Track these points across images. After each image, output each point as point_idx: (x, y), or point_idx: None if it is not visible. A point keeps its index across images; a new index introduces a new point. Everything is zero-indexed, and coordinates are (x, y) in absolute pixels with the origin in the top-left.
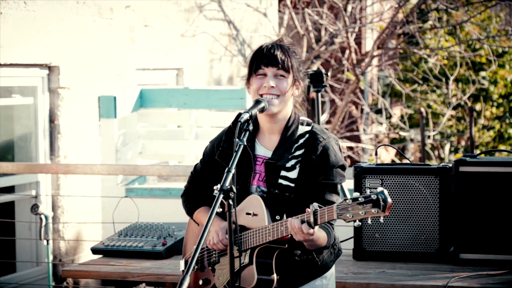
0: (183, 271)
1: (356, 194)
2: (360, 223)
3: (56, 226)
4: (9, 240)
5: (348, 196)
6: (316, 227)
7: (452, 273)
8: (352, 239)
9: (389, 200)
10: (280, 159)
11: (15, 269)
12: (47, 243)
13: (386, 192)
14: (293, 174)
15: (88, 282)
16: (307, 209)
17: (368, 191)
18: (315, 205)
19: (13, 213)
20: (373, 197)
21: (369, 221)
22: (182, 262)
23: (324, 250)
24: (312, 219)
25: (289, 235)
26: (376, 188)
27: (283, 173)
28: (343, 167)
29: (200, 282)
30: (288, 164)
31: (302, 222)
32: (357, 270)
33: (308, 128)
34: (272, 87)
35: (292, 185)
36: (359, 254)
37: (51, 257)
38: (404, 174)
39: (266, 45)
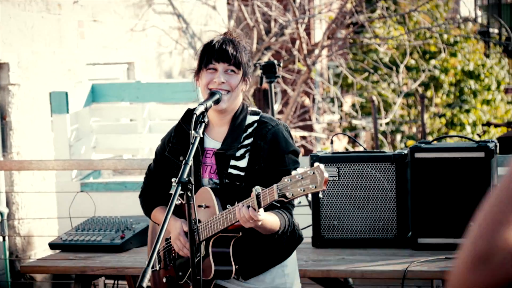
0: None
1: (295, 172)
2: (300, 201)
3: (11, 222)
4: None
5: None
6: (266, 212)
7: (411, 258)
8: (311, 227)
9: (326, 174)
10: (229, 148)
11: None
12: (3, 240)
13: (322, 166)
14: (243, 163)
15: (46, 277)
16: (252, 194)
17: (305, 167)
18: (257, 188)
19: None
20: (309, 172)
21: (320, 195)
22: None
23: (283, 237)
24: (255, 202)
25: (241, 224)
26: (313, 165)
27: (232, 162)
28: (295, 153)
29: (164, 280)
30: (238, 154)
31: (248, 207)
32: (317, 257)
33: (257, 117)
34: (223, 82)
35: (242, 174)
36: (318, 242)
37: (8, 254)
38: (360, 162)
39: (217, 39)
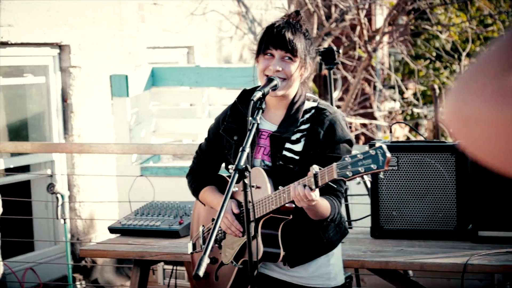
0: (191, 253)
1: (355, 152)
2: (360, 182)
3: (72, 205)
4: (26, 218)
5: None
6: (318, 195)
7: (471, 251)
8: (370, 217)
9: (388, 154)
10: (286, 131)
11: (33, 247)
12: (64, 222)
13: (384, 147)
14: (298, 147)
15: (107, 260)
16: (309, 173)
17: (367, 147)
18: (315, 167)
19: (29, 191)
20: (372, 152)
21: (381, 176)
22: (190, 245)
23: (330, 227)
24: (313, 181)
25: (293, 205)
26: (374, 145)
27: (287, 145)
28: (349, 142)
29: (208, 261)
30: (293, 137)
31: (304, 186)
32: (375, 248)
33: (314, 103)
34: (278, 70)
35: (297, 157)
36: (376, 232)
37: (68, 236)
38: (419, 151)
39: (278, 23)
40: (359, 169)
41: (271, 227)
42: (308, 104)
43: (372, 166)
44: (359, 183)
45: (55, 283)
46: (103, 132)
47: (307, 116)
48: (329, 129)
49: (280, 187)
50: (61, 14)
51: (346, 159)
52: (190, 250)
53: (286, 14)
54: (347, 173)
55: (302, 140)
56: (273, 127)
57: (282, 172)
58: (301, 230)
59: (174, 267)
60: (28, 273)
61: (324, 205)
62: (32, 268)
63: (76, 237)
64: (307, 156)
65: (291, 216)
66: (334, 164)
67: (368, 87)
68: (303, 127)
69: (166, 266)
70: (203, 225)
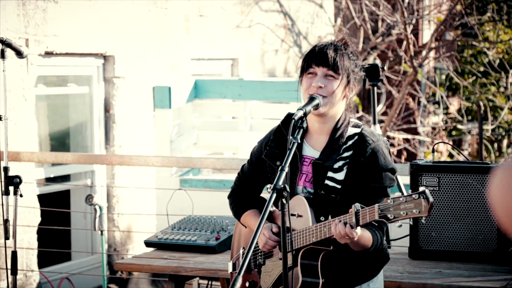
0: (231, 273)
1: (398, 194)
2: (402, 225)
3: (110, 215)
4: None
5: (405, 192)
6: (359, 228)
7: (511, 275)
8: (408, 237)
9: (431, 199)
10: (328, 159)
11: (70, 257)
12: (102, 234)
13: (428, 192)
14: (340, 176)
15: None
16: (350, 210)
17: (410, 191)
18: (357, 205)
19: (69, 201)
20: (415, 196)
21: (423, 221)
22: (230, 264)
23: (373, 254)
24: (354, 220)
25: (333, 237)
26: (418, 189)
27: (330, 174)
28: (392, 171)
29: (247, 284)
30: (336, 165)
31: (345, 223)
32: (413, 269)
33: (358, 130)
34: (320, 87)
35: (339, 186)
36: (415, 253)
37: (105, 247)
38: (461, 172)
39: (320, 43)
40: (401, 212)
41: (311, 257)
42: (351, 130)
43: (414, 211)
44: (400, 226)
45: None
46: (144, 143)
47: (350, 143)
48: (372, 158)
49: (321, 218)
50: (106, 25)
51: (389, 201)
52: (230, 269)
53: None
54: (388, 215)
55: (345, 168)
56: (316, 153)
57: (324, 201)
58: (343, 259)
59: (209, 282)
60: (64, 283)
61: (366, 237)
62: (68, 278)
63: (113, 247)
64: (350, 185)
65: (331, 247)
66: (376, 205)
67: (412, 102)
68: (345, 154)
69: (201, 281)
70: (243, 248)
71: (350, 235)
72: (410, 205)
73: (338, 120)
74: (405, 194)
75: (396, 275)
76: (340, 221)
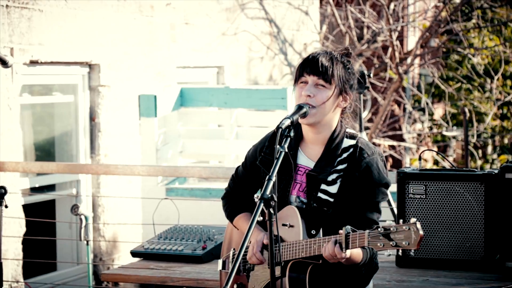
0: (220, 270)
1: (389, 223)
2: (390, 254)
3: (96, 225)
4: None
5: (392, 202)
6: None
7: (498, 283)
8: None
9: (421, 232)
10: (322, 172)
11: (56, 267)
12: (87, 244)
13: (418, 225)
14: (334, 189)
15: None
16: (340, 231)
17: (401, 221)
18: (348, 228)
19: (54, 211)
20: (405, 228)
21: (412, 253)
22: (220, 262)
23: (363, 268)
24: (343, 242)
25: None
26: (409, 220)
27: (323, 186)
28: (386, 185)
29: (235, 286)
30: (329, 178)
31: (335, 243)
32: (401, 278)
33: (353, 142)
34: (309, 96)
35: (331, 200)
36: (402, 261)
37: (91, 257)
38: (448, 180)
39: (316, 52)
40: (390, 242)
41: (299, 270)
42: (347, 142)
43: (403, 242)
44: (389, 255)
45: None
46: (130, 152)
47: (345, 155)
48: (366, 173)
49: (312, 231)
50: (92, 33)
51: (379, 229)
52: (219, 267)
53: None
54: (378, 244)
55: (338, 181)
56: (310, 163)
57: (316, 214)
58: (332, 272)
59: None
60: None
61: (356, 253)
62: None
63: (99, 257)
64: (343, 198)
65: (320, 261)
66: (367, 231)
67: (398, 109)
68: (340, 167)
69: None
70: (233, 249)
71: (339, 256)
72: (400, 236)
73: (334, 131)
74: (395, 204)
75: (383, 283)
76: (331, 242)
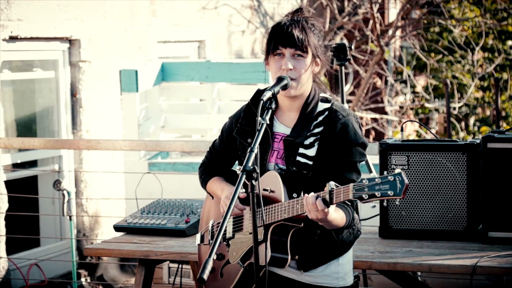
0: (198, 245)
1: (374, 175)
2: (375, 205)
3: (79, 200)
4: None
5: (374, 172)
6: (333, 207)
7: (481, 252)
8: (378, 217)
9: (406, 181)
10: (299, 136)
11: (39, 243)
12: (70, 219)
13: (403, 174)
14: (312, 152)
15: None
16: (325, 188)
17: (385, 173)
18: (332, 183)
19: (36, 187)
20: (390, 178)
21: (397, 203)
22: (198, 236)
23: (344, 230)
24: (328, 198)
25: (305, 214)
26: (394, 170)
27: (301, 150)
28: (363, 145)
29: (214, 256)
30: (307, 142)
31: (317, 198)
32: (384, 249)
33: (328, 105)
34: (290, 69)
35: (310, 162)
36: (385, 232)
37: (74, 232)
38: (430, 150)
39: (283, 22)
40: (376, 193)
41: (281, 233)
42: (321, 106)
43: (389, 192)
44: (374, 206)
45: (59, 280)
46: (112, 127)
47: (320, 118)
48: (342, 133)
49: (294, 195)
50: (71, 9)
51: (364, 181)
52: (198, 241)
53: (289, 12)
54: (363, 195)
55: (316, 144)
56: (287, 130)
57: (296, 178)
58: (314, 234)
59: (180, 266)
60: (33, 269)
61: (339, 217)
62: (37, 264)
63: (82, 232)
64: (321, 161)
65: (302, 225)
66: (351, 184)
67: (380, 81)
68: (316, 130)
69: (171, 265)
70: (213, 220)
71: (320, 208)
72: (385, 186)
73: (308, 96)
74: (378, 174)
75: (367, 254)
76: (313, 196)
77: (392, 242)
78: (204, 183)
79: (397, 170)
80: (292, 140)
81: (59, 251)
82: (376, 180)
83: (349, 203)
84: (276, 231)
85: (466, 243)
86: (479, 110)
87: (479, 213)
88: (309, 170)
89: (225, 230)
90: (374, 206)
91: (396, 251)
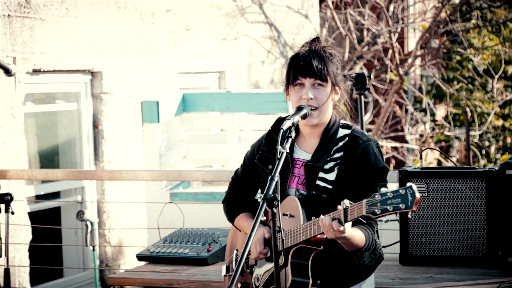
0: (224, 276)
1: (386, 190)
2: (388, 220)
3: (102, 231)
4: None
5: None
6: (351, 227)
7: (501, 278)
8: (398, 244)
9: (417, 195)
10: (319, 160)
11: (62, 274)
12: (93, 249)
13: (414, 187)
14: (331, 176)
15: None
16: (338, 206)
17: (397, 186)
18: (346, 201)
19: (59, 218)
20: (401, 191)
21: (409, 216)
22: (224, 267)
23: (365, 255)
24: (342, 216)
25: (324, 237)
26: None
27: (321, 174)
28: (384, 170)
29: (239, 285)
30: (327, 166)
31: (333, 219)
32: (404, 275)
33: (348, 131)
34: (311, 98)
35: (330, 187)
36: (405, 259)
37: (97, 263)
38: (449, 177)
39: (302, 52)
40: (388, 207)
41: (301, 257)
42: (342, 132)
43: (400, 205)
44: (387, 221)
45: None
46: (134, 158)
47: (341, 144)
48: (362, 157)
49: (313, 218)
50: (93, 41)
51: (376, 196)
52: (224, 272)
53: (306, 42)
54: (376, 210)
55: (336, 169)
56: (308, 156)
57: (316, 202)
58: (336, 259)
59: None
60: None
61: (358, 236)
62: None
63: (105, 263)
64: (341, 185)
65: (321, 247)
66: (364, 200)
67: (400, 110)
68: (336, 155)
69: None
70: (237, 250)
71: (335, 228)
72: (397, 200)
73: (329, 123)
74: (391, 190)
75: (387, 281)
76: (329, 216)
77: (413, 268)
78: (231, 219)
79: (409, 184)
80: (312, 164)
81: (82, 281)
82: (388, 194)
83: (369, 227)
84: (296, 254)
85: (486, 269)
86: (500, 138)
87: (498, 239)
88: (328, 194)
89: (248, 259)
90: (387, 221)
91: (416, 277)
